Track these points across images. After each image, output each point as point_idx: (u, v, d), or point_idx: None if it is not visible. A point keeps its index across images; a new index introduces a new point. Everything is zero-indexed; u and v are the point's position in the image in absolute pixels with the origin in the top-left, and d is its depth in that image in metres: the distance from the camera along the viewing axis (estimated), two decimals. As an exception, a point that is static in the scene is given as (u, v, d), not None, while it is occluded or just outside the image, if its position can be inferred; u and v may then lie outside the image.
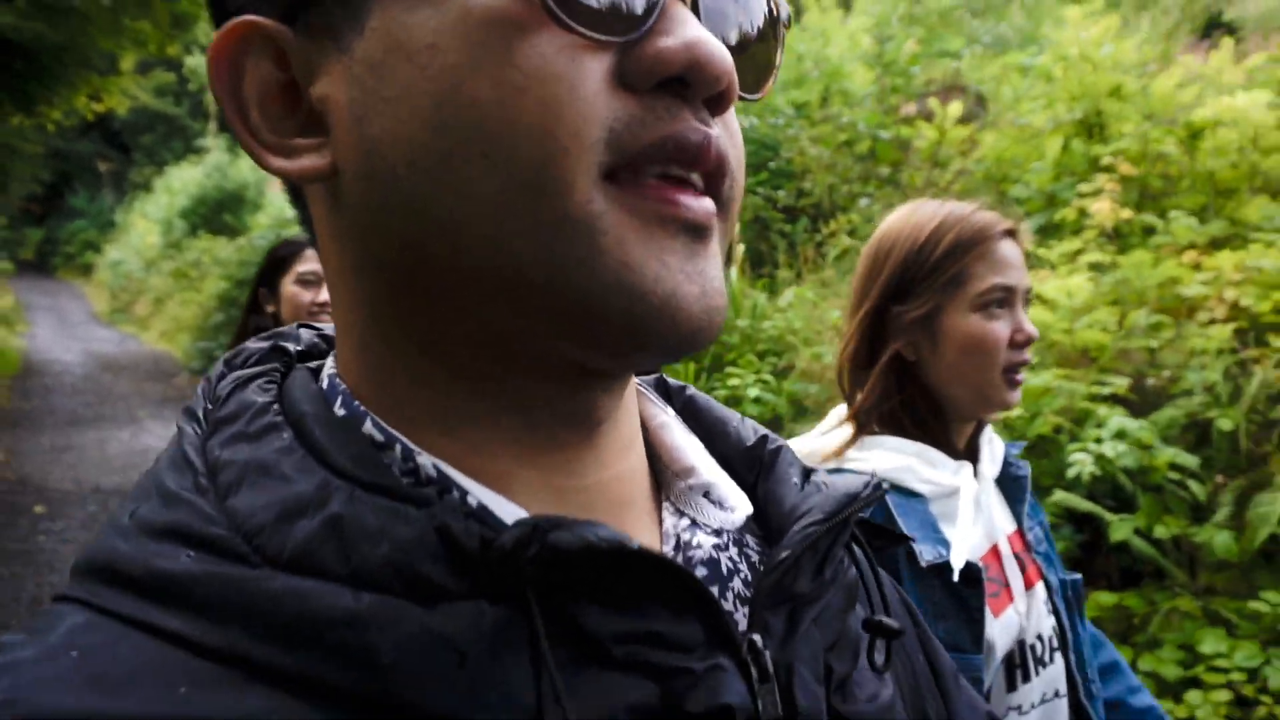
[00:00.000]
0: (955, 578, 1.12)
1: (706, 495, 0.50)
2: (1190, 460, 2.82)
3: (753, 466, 0.53)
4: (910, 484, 1.20)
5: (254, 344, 0.48)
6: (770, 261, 5.71)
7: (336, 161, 0.40)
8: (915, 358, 1.27)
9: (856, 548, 0.54)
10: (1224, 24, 7.87)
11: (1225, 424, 2.96)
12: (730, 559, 0.47)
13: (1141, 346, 3.29)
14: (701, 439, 0.53)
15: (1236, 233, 4.03)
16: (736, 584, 0.47)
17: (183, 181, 19.36)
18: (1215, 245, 4.07)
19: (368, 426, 0.42)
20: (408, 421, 0.42)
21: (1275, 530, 2.70)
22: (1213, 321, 3.39)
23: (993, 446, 1.32)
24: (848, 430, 1.27)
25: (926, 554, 1.14)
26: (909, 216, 1.29)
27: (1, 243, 17.20)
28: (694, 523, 0.49)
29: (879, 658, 0.51)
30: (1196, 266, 3.59)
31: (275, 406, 0.42)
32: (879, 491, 0.50)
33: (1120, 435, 2.73)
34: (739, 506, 0.50)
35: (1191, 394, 2.99)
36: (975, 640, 1.13)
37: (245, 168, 19.47)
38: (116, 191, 26.60)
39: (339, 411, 0.42)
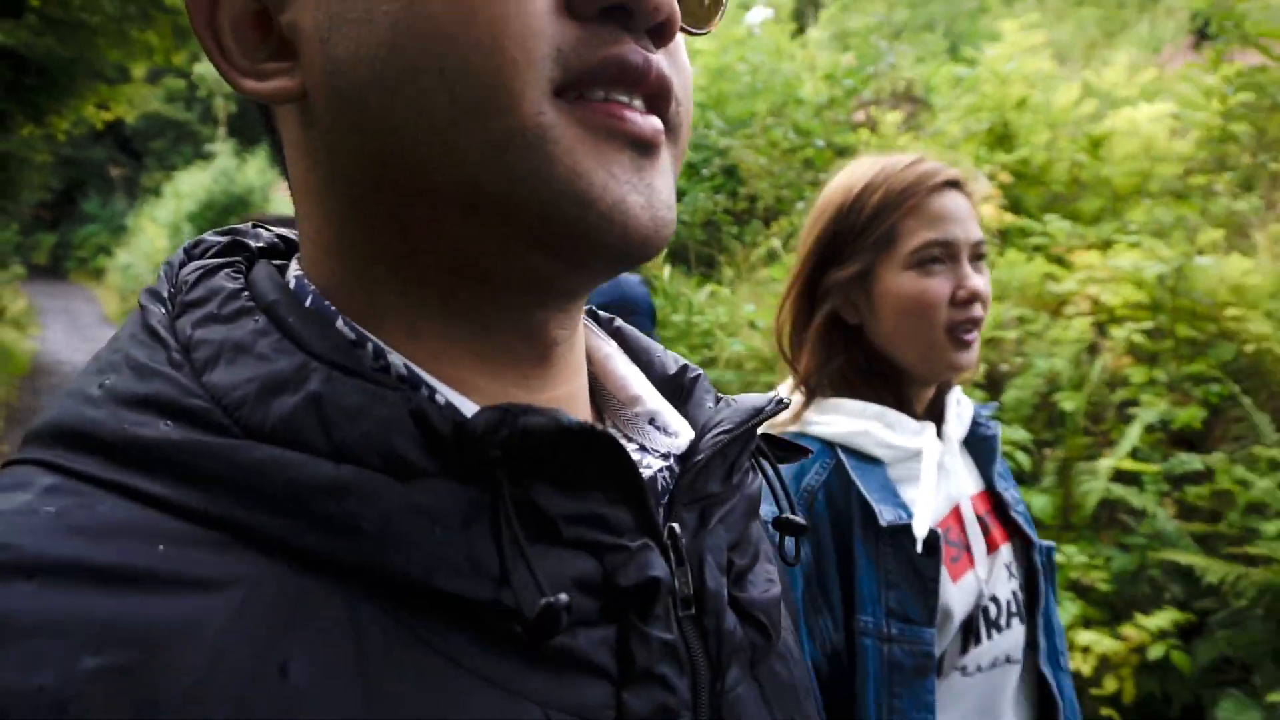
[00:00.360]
0: (919, 547, 1.10)
1: (651, 422, 0.53)
2: (1025, 436, 3.21)
3: (675, 393, 0.57)
4: (867, 448, 1.16)
5: (212, 236, 0.49)
6: (719, 263, 6.11)
7: (305, 83, 0.43)
8: (857, 321, 1.23)
9: (765, 463, 0.58)
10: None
11: (1068, 405, 3.35)
12: (663, 477, 0.51)
13: (1005, 337, 3.68)
14: None
15: (1122, 235, 4.41)
16: (665, 500, 0.50)
17: (190, 186, 19.79)
18: (1109, 245, 4.45)
19: (340, 324, 0.43)
20: (376, 326, 0.44)
21: (1104, 496, 3.09)
22: (1077, 315, 3.78)
23: (960, 408, 1.28)
24: (799, 397, 1.24)
25: (886, 514, 1.11)
26: (846, 175, 1.25)
27: (14, 248, 17.74)
28: (642, 447, 0.52)
29: (790, 552, 0.58)
30: (1063, 263, 3.98)
31: (245, 293, 0.44)
32: (781, 406, 0.54)
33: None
34: (681, 432, 0.53)
35: (1036, 378, 3.38)
36: (927, 612, 1.10)
37: (251, 173, 19.94)
38: (128, 196, 27.16)
39: (309, 306, 0.44)
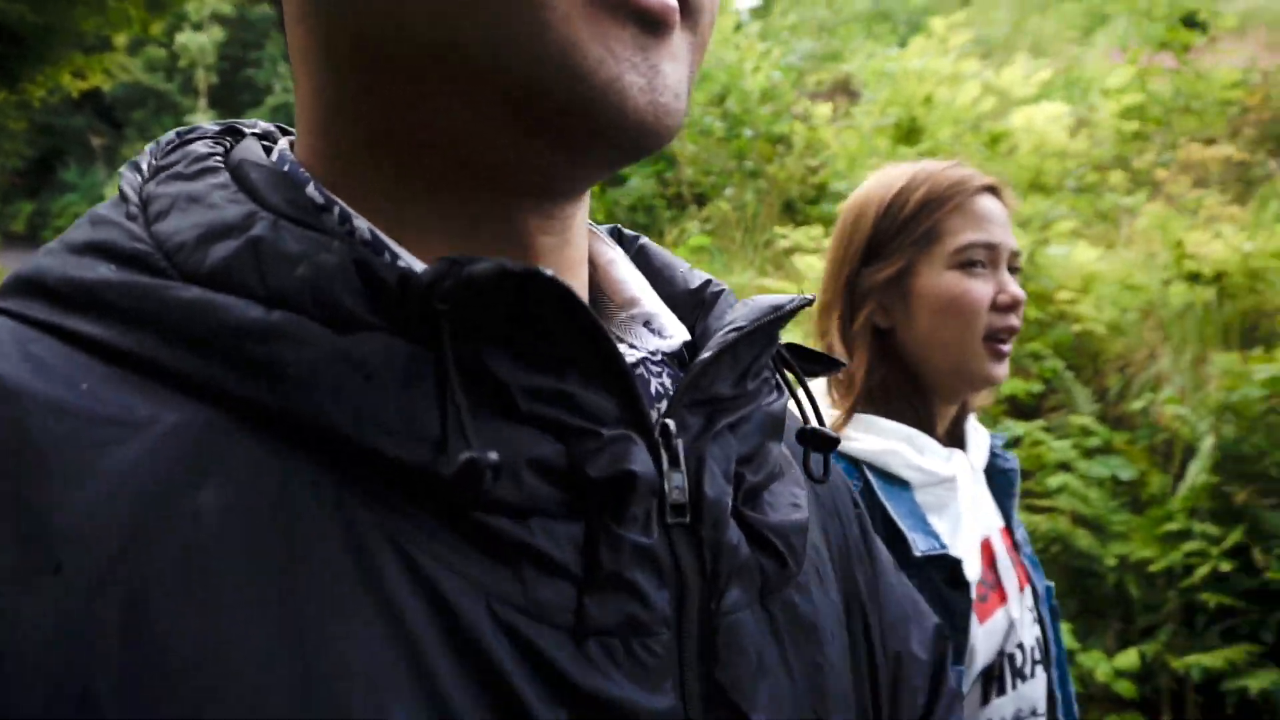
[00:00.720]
0: (972, 587, 1.04)
1: (647, 325, 0.50)
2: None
3: (695, 307, 0.53)
4: (896, 469, 1.10)
5: (208, 124, 0.48)
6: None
7: None
8: (889, 325, 1.17)
9: (790, 376, 0.55)
10: (1198, 23, 8.22)
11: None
12: (661, 383, 0.47)
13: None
14: (649, 281, 0.53)
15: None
16: (663, 405, 0.46)
17: (168, 158, 19.89)
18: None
19: (310, 190, 0.41)
20: (351, 200, 0.42)
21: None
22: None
23: (977, 436, 1.23)
24: (835, 412, 1.19)
25: (920, 544, 1.04)
26: (881, 177, 1.22)
27: (-10, 214, 17.84)
28: (631, 346, 0.49)
29: (816, 469, 0.52)
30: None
31: (217, 156, 0.43)
32: (805, 303, 0.50)
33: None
34: (676, 335, 0.50)
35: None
36: (956, 650, 1.03)
37: (230, 145, 20.01)
38: (108, 166, 27.15)
39: (285, 171, 0.42)
